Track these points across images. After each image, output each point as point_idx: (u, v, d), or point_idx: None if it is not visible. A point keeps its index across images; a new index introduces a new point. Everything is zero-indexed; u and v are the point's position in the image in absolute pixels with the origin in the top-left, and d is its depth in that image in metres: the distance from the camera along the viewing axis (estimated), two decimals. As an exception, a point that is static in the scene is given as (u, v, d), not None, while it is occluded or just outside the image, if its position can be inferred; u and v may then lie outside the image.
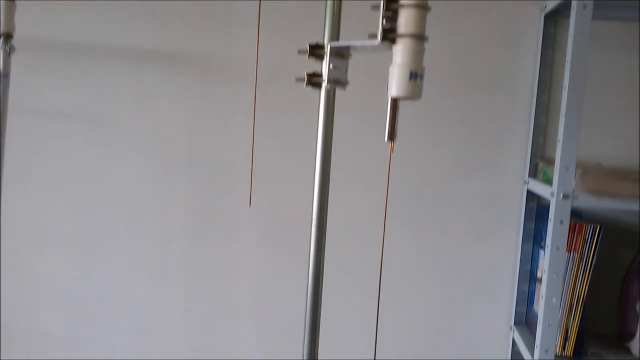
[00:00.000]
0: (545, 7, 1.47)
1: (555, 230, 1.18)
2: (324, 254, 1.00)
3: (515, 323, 1.55)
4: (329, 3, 0.96)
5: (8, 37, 1.32)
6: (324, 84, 0.94)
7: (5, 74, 1.34)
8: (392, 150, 0.91)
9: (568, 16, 1.19)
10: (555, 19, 1.50)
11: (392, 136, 0.89)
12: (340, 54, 0.95)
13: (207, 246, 1.65)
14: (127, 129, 1.64)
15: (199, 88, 1.62)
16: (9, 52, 1.33)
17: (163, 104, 1.63)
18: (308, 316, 1.01)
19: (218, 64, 1.61)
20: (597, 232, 1.28)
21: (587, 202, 1.18)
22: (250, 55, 1.57)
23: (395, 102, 0.88)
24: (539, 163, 1.49)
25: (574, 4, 1.17)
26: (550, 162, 1.38)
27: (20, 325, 1.72)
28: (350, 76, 0.97)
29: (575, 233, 1.28)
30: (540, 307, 1.22)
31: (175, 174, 1.64)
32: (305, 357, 0.98)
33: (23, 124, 1.65)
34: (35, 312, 1.72)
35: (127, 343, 1.70)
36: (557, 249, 1.19)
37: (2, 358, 1.71)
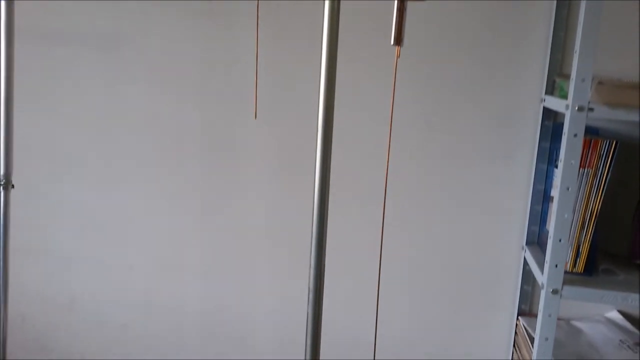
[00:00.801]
0: None
1: (569, 143, 1.15)
2: (328, 175, 0.98)
3: (527, 243, 1.54)
4: None
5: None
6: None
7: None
8: (398, 55, 0.88)
9: None
10: None
11: (398, 40, 0.87)
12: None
13: (219, 163, 1.66)
14: (137, 48, 1.63)
15: (205, 5, 1.58)
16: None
17: (170, 24, 1.60)
18: (314, 229, 1.01)
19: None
20: (612, 148, 1.25)
21: (603, 114, 1.14)
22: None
23: (402, 3, 0.85)
24: (556, 79, 1.44)
25: None
26: (568, 77, 1.34)
27: (41, 247, 1.76)
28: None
29: (590, 149, 1.25)
30: (551, 223, 1.21)
31: (183, 94, 1.63)
32: (312, 264, 0.99)
33: (34, 48, 1.64)
34: (55, 235, 1.76)
35: (143, 263, 1.74)
36: (571, 163, 1.16)
37: (23, 280, 1.77)
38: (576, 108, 1.13)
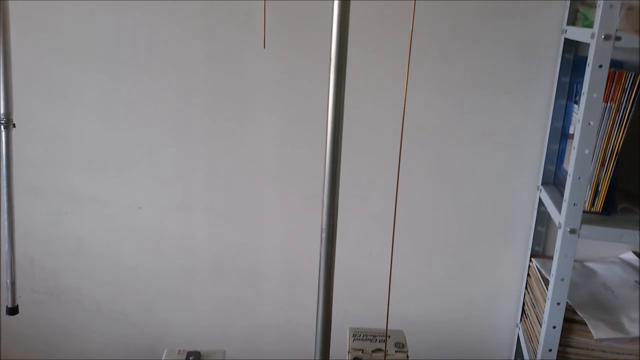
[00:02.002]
0: None
1: (593, 75, 1.09)
2: (342, 110, 0.93)
3: (542, 183, 1.50)
4: None
5: None
6: None
7: None
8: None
9: None
10: None
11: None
12: None
13: (226, 96, 1.59)
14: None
15: None
16: None
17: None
18: (327, 166, 0.96)
19: None
20: (638, 81, 1.18)
21: (632, 42, 1.07)
22: None
23: None
24: (580, 9, 1.37)
25: None
26: (593, 6, 1.26)
27: (46, 187, 1.73)
28: None
29: (615, 82, 1.18)
30: (571, 159, 1.16)
31: (188, 25, 1.56)
32: (326, 195, 0.95)
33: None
34: (60, 175, 1.72)
35: (150, 201, 1.71)
36: (594, 96, 1.10)
37: (29, 222, 1.75)
38: (602, 37, 1.07)
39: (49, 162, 1.71)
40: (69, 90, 1.65)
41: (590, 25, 1.18)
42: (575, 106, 1.33)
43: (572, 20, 1.40)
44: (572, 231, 1.17)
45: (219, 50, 1.56)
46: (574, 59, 1.42)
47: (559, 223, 1.19)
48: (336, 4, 0.87)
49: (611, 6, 1.06)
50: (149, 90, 1.62)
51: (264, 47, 1.31)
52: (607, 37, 1.06)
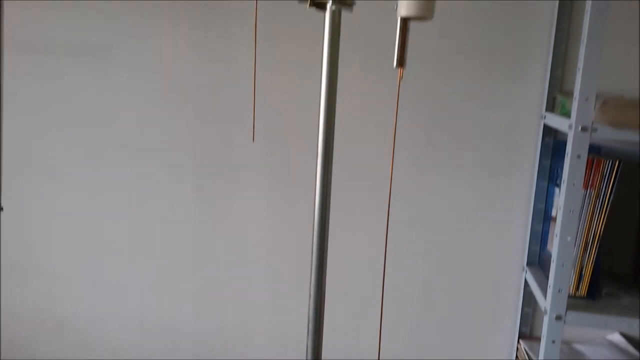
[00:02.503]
0: None
1: (572, 165, 1.12)
2: (329, 192, 0.96)
3: (527, 263, 1.51)
4: None
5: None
6: (329, 5, 0.88)
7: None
8: (401, 77, 0.85)
9: None
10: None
11: (401, 62, 0.84)
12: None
13: (214, 186, 1.62)
14: (132, 65, 1.59)
15: (201, 19, 1.55)
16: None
17: (166, 37, 1.56)
18: (315, 253, 0.97)
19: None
20: (615, 168, 1.22)
21: (607, 134, 1.11)
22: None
23: (405, 23, 0.82)
24: (558, 96, 1.42)
25: None
26: (569, 94, 1.31)
27: (30, 266, 1.71)
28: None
29: (593, 169, 1.22)
30: (554, 246, 1.18)
31: (178, 107, 1.59)
32: (312, 286, 0.95)
33: (24, 59, 1.60)
34: (44, 254, 1.71)
35: (136, 284, 1.70)
36: (573, 184, 1.13)
37: (12, 302, 1.72)
38: (580, 128, 1.11)
39: (33, 242, 1.70)
40: (56, 170, 1.66)
41: (568, 114, 1.22)
42: (557, 189, 1.36)
43: (551, 107, 1.45)
44: (558, 318, 1.17)
45: (206, 134, 1.59)
46: (553, 142, 1.46)
47: (545, 309, 1.20)
48: (323, 90, 0.91)
49: (587, 99, 1.10)
50: (137, 172, 1.63)
51: (253, 140, 1.34)
52: (584, 129, 1.10)
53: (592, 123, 1.10)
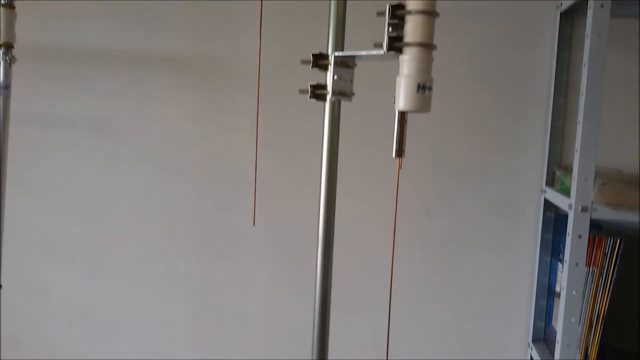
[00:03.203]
0: (561, 4, 1.42)
1: (573, 245, 1.12)
2: (331, 271, 0.96)
3: (533, 340, 1.49)
4: (333, 8, 0.91)
5: (9, 47, 1.29)
6: (329, 96, 0.90)
7: (6, 86, 1.32)
8: (400, 166, 0.86)
9: (585, 14, 1.14)
10: (571, 17, 1.44)
11: (400, 152, 0.85)
12: (345, 64, 0.91)
13: (212, 261, 1.62)
14: (132, 137, 1.61)
15: (203, 94, 1.58)
16: (10, 62, 1.31)
17: (167, 112, 1.59)
18: (316, 333, 0.97)
19: (222, 70, 1.57)
20: (617, 246, 1.22)
21: (607, 214, 1.12)
22: (255, 62, 1.53)
23: (402, 115, 0.83)
24: (556, 171, 1.43)
25: (591, 3, 1.12)
26: (568, 170, 1.32)
27: (29, 341, 1.69)
28: (355, 87, 0.93)
29: (595, 247, 1.22)
30: (558, 327, 1.16)
31: (179, 184, 1.61)
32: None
33: (26, 132, 1.63)
34: (42, 326, 1.69)
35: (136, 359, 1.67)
36: (576, 264, 1.13)
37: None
38: (580, 209, 1.11)
39: (30, 317, 1.68)
40: (54, 245, 1.66)
41: (567, 190, 1.23)
42: (560, 264, 1.36)
43: (550, 181, 1.46)
44: (565, 399, 1.15)
45: (208, 218, 1.60)
46: (555, 217, 1.46)
47: (551, 390, 1.18)
48: (324, 171, 0.92)
49: (585, 179, 1.11)
50: (136, 247, 1.64)
51: (254, 224, 1.35)
52: (584, 209, 1.11)
53: (592, 203, 1.11)
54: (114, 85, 1.60)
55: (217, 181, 1.59)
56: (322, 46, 0.91)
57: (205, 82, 1.59)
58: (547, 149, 1.47)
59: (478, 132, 1.51)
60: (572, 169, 1.17)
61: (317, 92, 0.90)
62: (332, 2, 0.91)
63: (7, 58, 1.29)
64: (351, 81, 0.93)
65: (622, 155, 1.45)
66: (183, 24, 1.57)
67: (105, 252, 1.65)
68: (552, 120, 1.46)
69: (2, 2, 1.28)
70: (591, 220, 1.13)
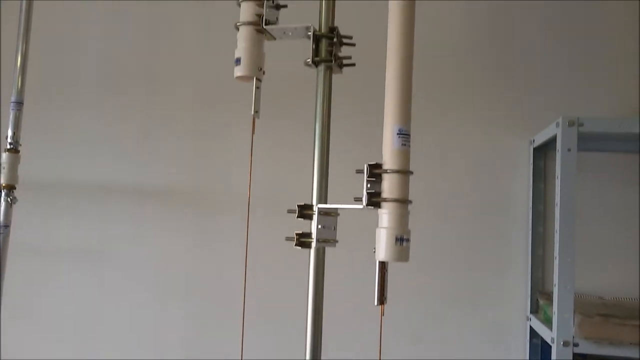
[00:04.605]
0: (533, 141, 1.51)
1: (560, 377, 1.14)
2: None
3: None
4: (317, 163, 0.98)
5: (11, 189, 1.36)
6: (313, 244, 0.95)
7: (6, 225, 1.37)
8: (382, 314, 0.90)
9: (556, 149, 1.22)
10: (544, 151, 1.53)
11: (381, 300, 0.89)
12: (329, 213, 0.97)
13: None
14: (126, 267, 1.65)
15: (195, 222, 1.64)
16: (11, 203, 1.36)
17: (161, 241, 1.64)
18: None
19: (213, 199, 1.64)
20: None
21: (588, 348, 1.15)
22: (244, 191, 1.60)
23: (383, 264, 0.88)
24: (539, 299, 1.46)
25: (558, 148, 1.20)
26: (549, 298, 1.36)
27: None
28: (339, 234, 0.98)
29: (581, 377, 1.23)
30: None
31: (171, 310, 1.62)
32: None
33: (23, 262, 1.66)
34: None
35: None
36: (563, 397, 1.14)
37: None
38: (562, 343, 1.14)
39: None
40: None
41: (549, 320, 1.26)
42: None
43: (535, 308, 1.49)
44: None
45: (196, 337, 1.61)
46: (541, 344, 1.48)
47: None
48: (309, 327, 0.95)
49: (565, 315, 1.14)
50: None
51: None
52: (565, 344, 1.14)
53: (573, 337, 1.14)
54: (111, 215, 1.66)
55: (208, 309, 1.61)
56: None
57: (198, 213, 1.65)
58: (529, 276, 1.51)
59: (463, 259, 1.55)
60: (552, 298, 1.20)
61: (302, 239, 0.96)
62: (317, 156, 0.98)
63: (8, 199, 1.35)
64: (334, 228, 0.98)
65: (602, 281, 1.49)
66: (176, 156, 1.66)
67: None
68: (532, 248, 1.51)
69: (8, 146, 1.36)
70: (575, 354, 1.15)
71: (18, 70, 1.37)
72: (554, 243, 1.18)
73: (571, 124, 1.18)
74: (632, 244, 1.49)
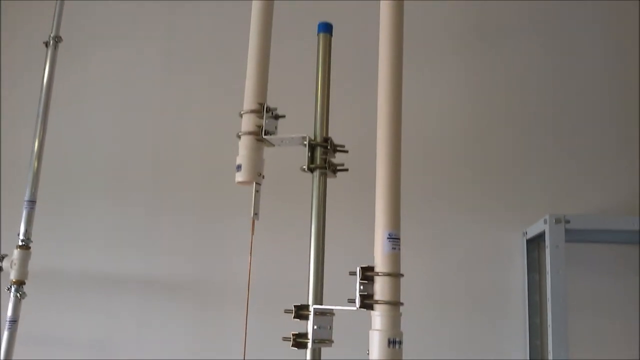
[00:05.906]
0: (526, 233, 1.55)
1: None
2: None
3: None
4: (313, 263, 1.03)
5: (20, 284, 1.40)
6: (309, 344, 0.98)
7: (14, 320, 1.40)
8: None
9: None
10: (537, 243, 1.57)
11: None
12: (324, 313, 1.00)
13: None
14: (130, 356, 1.66)
15: (199, 313, 1.67)
16: (21, 298, 1.40)
17: (165, 330, 1.67)
18: None
19: (217, 289, 1.67)
20: None
21: None
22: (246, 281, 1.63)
23: (375, 363, 0.91)
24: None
25: (547, 244, 1.25)
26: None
27: None
28: (335, 335, 1.00)
29: None
30: None
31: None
32: None
33: (29, 354, 1.68)
34: None
35: None
36: None
37: None
38: None
39: None
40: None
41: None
42: None
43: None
44: None
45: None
46: None
47: None
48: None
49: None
50: None
51: None
52: None
53: None
54: (116, 306, 1.70)
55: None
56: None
57: (201, 301, 1.68)
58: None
59: (462, 348, 1.56)
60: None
61: (299, 340, 0.98)
62: (312, 258, 1.02)
63: (18, 294, 1.39)
64: (330, 327, 1.01)
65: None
66: (181, 248, 1.71)
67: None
68: (530, 339, 1.53)
69: (20, 243, 1.42)
70: None
71: (33, 172, 1.45)
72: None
73: (558, 221, 1.23)
74: (631, 334, 1.51)
